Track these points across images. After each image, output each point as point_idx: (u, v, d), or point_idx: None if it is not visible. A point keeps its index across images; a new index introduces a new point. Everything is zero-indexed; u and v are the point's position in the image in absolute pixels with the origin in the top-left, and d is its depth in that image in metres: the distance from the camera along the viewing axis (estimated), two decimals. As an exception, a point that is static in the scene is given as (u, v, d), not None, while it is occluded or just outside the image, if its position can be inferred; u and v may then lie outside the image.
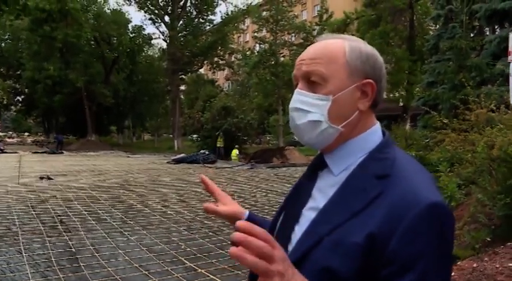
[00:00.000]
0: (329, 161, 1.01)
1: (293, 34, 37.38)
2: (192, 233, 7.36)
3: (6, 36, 49.50)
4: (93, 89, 40.07)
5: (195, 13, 40.66)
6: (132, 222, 8.11)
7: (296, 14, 39.62)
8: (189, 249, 6.38)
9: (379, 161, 0.96)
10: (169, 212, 9.24)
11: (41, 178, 14.89)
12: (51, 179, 14.76)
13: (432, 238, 0.85)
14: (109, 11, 44.10)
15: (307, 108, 0.99)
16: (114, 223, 7.97)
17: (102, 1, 44.15)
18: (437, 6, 18.81)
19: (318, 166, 1.05)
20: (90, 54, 41.09)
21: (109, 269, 5.39)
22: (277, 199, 11.09)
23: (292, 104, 1.02)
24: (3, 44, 50.02)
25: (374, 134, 1.02)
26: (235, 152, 24.96)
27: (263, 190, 12.99)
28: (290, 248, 0.98)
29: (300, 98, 1.01)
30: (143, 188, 13.02)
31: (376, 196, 0.90)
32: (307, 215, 0.99)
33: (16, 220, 8.03)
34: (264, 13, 36.55)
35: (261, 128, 34.66)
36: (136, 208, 9.71)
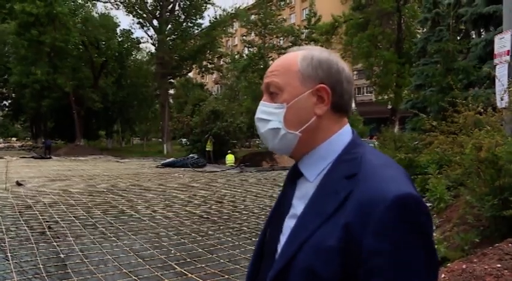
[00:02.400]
0: (302, 169, 1.05)
1: (282, 38, 37.44)
2: (181, 237, 7.32)
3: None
4: (81, 94, 39.76)
5: (183, 17, 40.55)
6: (121, 227, 8.05)
7: (284, 17, 39.72)
8: (178, 254, 6.35)
9: (348, 162, 0.98)
10: (158, 216, 9.19)
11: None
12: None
13: (405, 231, 0.85)
14: (97, 15, 43.89)
15: (267, 117, 1.06)
16: (103, 229, 7.91)
17: (90, 5, 43.91)
18: (425, 10, 18.95)
19: (295, 175, 1.08)
20: (78, 58, 40.74)
21: (98, 275, 5.34)
22: (266, 203, 11.09)
23: (256, 114, 1.09)
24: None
25: (343, 136, 1.05)
26: (231, 156, 24.75)
27: (253, 194, 12.98)
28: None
29: (262, 109, 1.08)
30: (132, 193, 12.94)
31: (346, 196, 0.91)
32: (289, 224, 1.01)
33: (2, 226, 7.93)
34: (253, 17, 36.60)
35: (250, 132, 34.57)
36: (126, 212, 9.64)
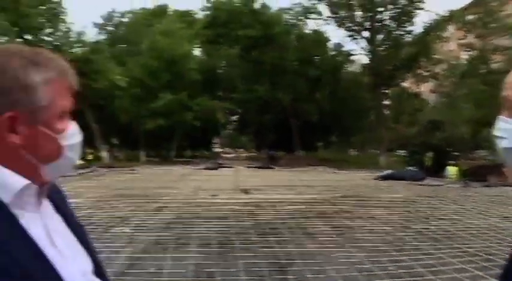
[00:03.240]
0: None
1: (507, 36, 33.56)
2: (400, 254, 7.03)
3: (222, 64, 55.48)
4: (298, 107, 42.05)
5: (394, 25, 39.64)
6: (339, 238, 8.12)
7: (509, 12, 35.54)
8: (395, 271, 6.08)
9: None
10: (376, 229, 9.00)
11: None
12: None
13: None
14: (309, 32, 46.00)
15: (503, 134, 0.97)
16: (322, 238, 8.08)
17: (303, 23, 46.25)
18: None
19: None
20: (294, 74, 43.22)
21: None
22: (498, 223, 9.94)
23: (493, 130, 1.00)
24: (220, 71, 56.12)
25: None
26: (454, 169, 23.03)
27: (480, 212, 11.78)
28: None
29: (498, 125, 0.99)
30: (349, 204, 12.98)
31: None
32: None
33: (233, 229, 8.76)
34: (470, 17, 33.66)
35: (474, 143, 31.76)
36: (343, 223, 9.71)
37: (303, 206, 12.34)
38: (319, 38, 44.31)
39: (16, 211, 0.90)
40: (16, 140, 0.89)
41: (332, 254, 7.00)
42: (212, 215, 10.68)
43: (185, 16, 50.02)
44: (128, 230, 8.63)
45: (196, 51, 49.86)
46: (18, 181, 0.91)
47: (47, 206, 1.03)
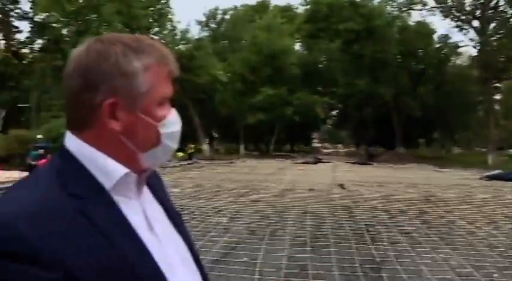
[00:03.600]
0: None
1: None
2: (508, 261, 6.51)
3: (323, 58, 55.10)
4: (400, 102, 40.61)
5: (510, 12, 36.57)
6: (437, 239, 7.74)
7: None
8: (504, 280, 5.66)
9: None
10: (479, 233, 8.43)
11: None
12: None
13: None
14: (413, 23, 44.14)
15: None
16: (418, 238, 7.77)
17: (406, 15, 44.46)
18: None
19: None
20: (397, 67, 41.78)
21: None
22: None
23: None
24: (320, 65, 55.78)
25: None
26: None
27: None
28: None
29: None
30: (449, 204, 12.31)
31: None
32: None
33: (328, 223, 8.73)
34: None
35: None
36: (442, 224, 9.23)
37: (401, 204, 11.94)
38: (423, 30, 42.41)
39: (116, 198, 0.92)
40: (116, 126, 0.90)
41: (428, 254, 6.69)
42: (308, 209, 10.71)
43: (286, 11, 50.39)
44: (224, 221, 8.92)
45: (297, 46, 50.01)
46: (119, 169, 0.92)
47: (146, 193, 1.05)
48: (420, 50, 42.73)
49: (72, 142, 0.94)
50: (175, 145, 1.00)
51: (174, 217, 1.10)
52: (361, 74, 40.91)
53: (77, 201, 0.85)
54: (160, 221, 1.03)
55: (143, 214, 0.98)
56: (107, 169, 0.92)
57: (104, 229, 0.85)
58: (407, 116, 41.98)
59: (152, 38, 1.02)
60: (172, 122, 0.98)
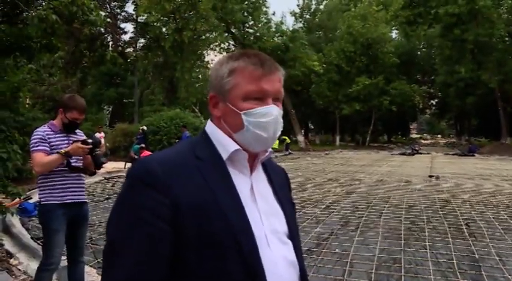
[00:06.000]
0: None
1: None
2: None
3: (421, 45, 52.80)
4: (507, 89, 37.79)
5: None
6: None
7: None
8: None
9: None
10: None
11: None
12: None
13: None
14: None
15: None
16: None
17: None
18: None
19: None
20: (503, 51, 38.72)
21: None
22: None
23: None
24: (418, 53, 53.50)
25: None
26: None
27: None
28: None
29: None
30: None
31: None
32: None
33: (424, 217, 8.62)
34: None
35: None
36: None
37: (505, 199, 11.39)
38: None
39: (231, 169, 1.23)
40: (217, 113, 1.27)
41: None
42: (403, 200, 10.64)
43: (382, -2, 48.87)
44: (317, 212, 9.13)
45: (393, 34, 48.53)
46: (231, 144, 1.24)
47: (260, 173, 1.33)
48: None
49: (208, 124, 1.32)
50: (264, 133, 1.23)
51: (284, 203, 1.35)
52: (463, 60, 38.66)
53: (198, 161, 1.23)
54: (265, 198, 1.29)
55: (250, 187, 1.26)
56: (223, 143, 1.25)
57: (211, 185, 1.19)
58: (515, 104, 39.06)
59: (261, 51, 1.39)
60: (259, 113, 1.22)
